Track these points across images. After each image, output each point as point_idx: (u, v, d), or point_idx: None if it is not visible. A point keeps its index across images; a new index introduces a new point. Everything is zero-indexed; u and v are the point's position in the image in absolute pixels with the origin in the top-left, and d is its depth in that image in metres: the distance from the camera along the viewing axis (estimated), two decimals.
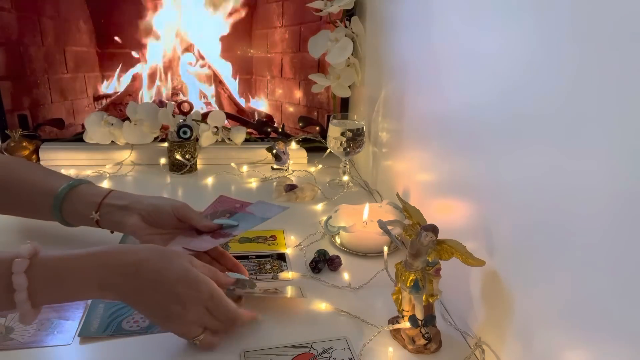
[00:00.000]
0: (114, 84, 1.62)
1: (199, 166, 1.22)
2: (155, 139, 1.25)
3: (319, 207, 1.01)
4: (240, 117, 1.42)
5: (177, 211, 0.68)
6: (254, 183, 1.13)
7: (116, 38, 1.57)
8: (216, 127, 1.23)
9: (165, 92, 1.61)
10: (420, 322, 0.58)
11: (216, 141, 1.26)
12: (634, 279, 0.35)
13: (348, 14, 1.18)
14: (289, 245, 0.83)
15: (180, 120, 1.18)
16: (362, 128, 1.05)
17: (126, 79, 1.61)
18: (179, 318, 0.53)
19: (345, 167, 1.12)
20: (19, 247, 0.50)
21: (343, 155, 1.08)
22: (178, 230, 0.70)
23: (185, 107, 1.26)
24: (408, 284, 0.56)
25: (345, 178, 1.13)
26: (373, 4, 1.09)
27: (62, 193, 0.68)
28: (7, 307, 0.49)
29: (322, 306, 0.66)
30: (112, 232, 0.71)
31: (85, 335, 0.59)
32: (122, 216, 0.68)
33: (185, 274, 0.53)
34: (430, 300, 0.57)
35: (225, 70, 1.65)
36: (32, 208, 0.73)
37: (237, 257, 0.78)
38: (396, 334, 0.60)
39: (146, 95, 1.61)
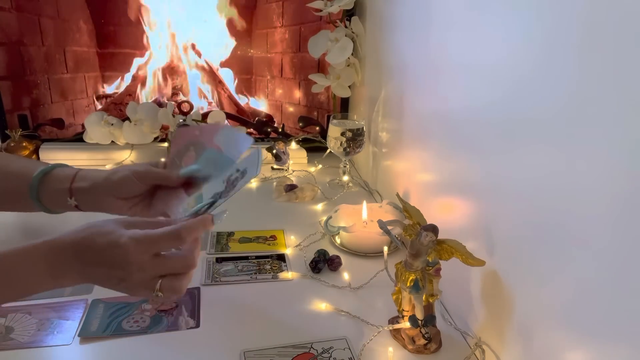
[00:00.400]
0: (114, 84, 1.62)
1: None
2: (155, 139, 1.25)
3: (319, 207, 1.01)
4: (240, 117, 1.42)
5: (141, 178, 0.62)
6: (253, 183, 1.13)
7: (116, 38, 1.57)
8: None
9: (166, 92, 1.61)
10: (420, 322, 0.58)
11: None
12: (634, 279, 0.35)
13: (348, 14, 1.18)
14: (289, 245, 0.83)
15: (180, 120, 1.18)
16: (362, 128, 1.05)
17: (126, 79, 1.61)
18: (128, 282, 0.50)
19: (345, 167, 1.12)
20: None
21: (343, 155, 1.08)
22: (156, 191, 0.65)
23: (185, 107, 1.26)
24: (408, 284, 0.56)
25: (345, 178, 1.13)
26: (373, 4, 1.09)
27: (35, 180, 0.64)
28: None
29: (322, 306, 0.66)
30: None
31: (85, 335, 0.59)
32: (96, 199, 0.63)
33: (108, 239, 0.50)
34: (430, 300, 0.57)
35: (226, 73, 1.65)
36: (13, 199, 0.67)
37: (237, 258, 0.78)
38: (396, 334, 0.60)
39: (146, 95, 1.61)
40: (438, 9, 0.72)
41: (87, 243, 0.50)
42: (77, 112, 1.52)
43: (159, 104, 1.28)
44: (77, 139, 1.26)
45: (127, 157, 1.21)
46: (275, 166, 1.21)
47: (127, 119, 1.21)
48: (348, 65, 1.19)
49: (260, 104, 1.68)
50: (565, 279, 0.43)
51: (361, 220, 0.83)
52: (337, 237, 0.85)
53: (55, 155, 1.20)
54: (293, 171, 1.20)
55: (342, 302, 0.67)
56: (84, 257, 0.50)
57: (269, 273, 0.74)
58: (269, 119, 1.54)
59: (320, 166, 1.25)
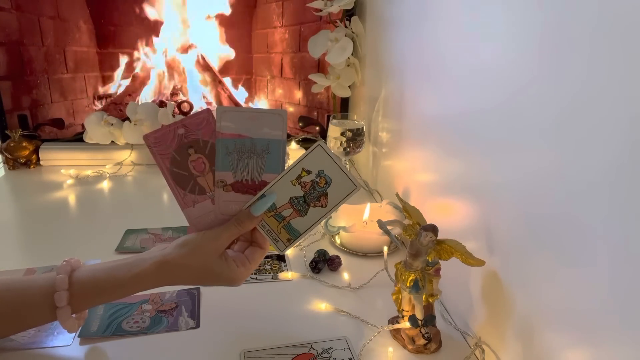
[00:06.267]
0: (114, 84, 1.62)
1: None
2: None
3: None
4: None
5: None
6: None
7: (116, 38, 1.57)
8: None
9: (166, 92, 1.61)
10: (420, 322, 0.58)
11: None
12: (634, 279, 0.35)
13: (348, 14, 1.18)
14: None
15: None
16: (362, 128, 1.05)
17: (126, 79, 1.61)
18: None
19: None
20: (55, 268, 0.53)
21: (343, 155, 1.08)
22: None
23: (185, 107, 1.26)
24: (408, 284, 0.56)
25: None
26: (373, 4, 1.08)
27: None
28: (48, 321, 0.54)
29: (322, 306, 0.66)
30: None
31: (85, 335, 0.59)
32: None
33: (222, 276, 0.55)
34: (430, 300, 0.57)
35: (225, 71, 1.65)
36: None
37: None
38: (396, 334, 0.60)
39: (146, 95, 1.61)
40: (438, 9, 0.72)
41: (182, 258, 0.53)
42: (77, 112, 1.52)
43: (159, 104, 1.28)
44: (77, 139, 1.26)
45: (127, 157, 1.21)
46: None
47: (127, 119, 1.21)
48: (348, 65, 1.19)
49: (260, 104, 1.68)
50: (565, 278, 0.43)
51: (361, 220, 0.83)
52: (337, 237, 0.85)
53: (55, 155, 1.20)
54: None
55: (342, 302, 0.67)
56: (170, 269, 0.53)
57: (269, 273, 0.74)
58: None
59: None
